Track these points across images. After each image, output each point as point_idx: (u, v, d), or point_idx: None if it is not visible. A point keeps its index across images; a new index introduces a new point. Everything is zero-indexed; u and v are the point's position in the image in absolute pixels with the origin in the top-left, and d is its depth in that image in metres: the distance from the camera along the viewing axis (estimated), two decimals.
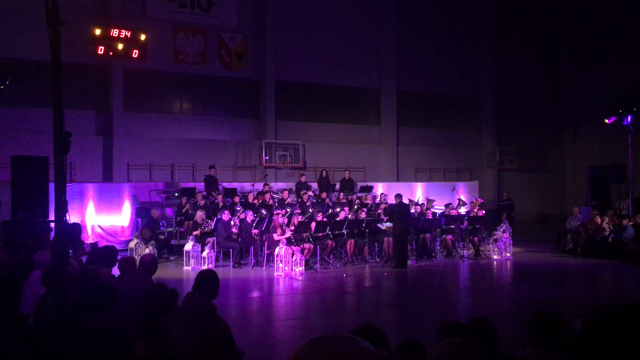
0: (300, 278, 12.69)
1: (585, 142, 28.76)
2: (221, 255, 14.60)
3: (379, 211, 16.63)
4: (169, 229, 16.44)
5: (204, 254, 13.75)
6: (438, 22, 26.19)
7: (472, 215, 16.98)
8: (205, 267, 12.97)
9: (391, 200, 18.32)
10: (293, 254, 13.11)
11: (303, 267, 13.27)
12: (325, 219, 14.83)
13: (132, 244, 14.08)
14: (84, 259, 8.82)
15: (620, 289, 12.73)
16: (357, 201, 17.87)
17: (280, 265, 12.94)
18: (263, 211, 15.50)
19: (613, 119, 20.83)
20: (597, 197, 20.58)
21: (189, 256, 13.76)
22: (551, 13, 28.93)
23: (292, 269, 13.01)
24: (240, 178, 21.50)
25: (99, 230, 16.65)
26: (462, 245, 16.77)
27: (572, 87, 29.32)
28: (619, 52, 26.40)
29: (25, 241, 9.24)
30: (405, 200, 17.16)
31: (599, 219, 16.76)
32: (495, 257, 15.67)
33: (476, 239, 16.27)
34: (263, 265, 14.03)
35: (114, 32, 19.47)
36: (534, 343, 3.46)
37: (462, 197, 19.99)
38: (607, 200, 20.85)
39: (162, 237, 15.57)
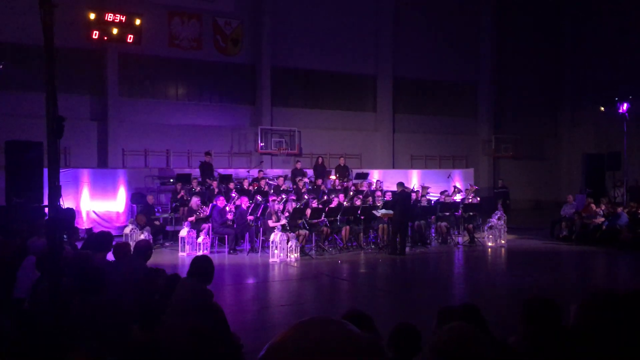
0: (295, 264, 12.73)
1: (581, 130, 28.77)
2: (216, 242, 14.60)
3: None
4: (164, 215, 16.43)
5: (199, 240, 13.77)
6: (436, 8, 26.03)
7: (467, 202, 17.02)
8: (200, 253, 12.97)
9: (387, 187, 18.31)
10: (288, 241, 13.14)
11: (298, 254, 13.29)
12: (320, 206, 14.84)
13: (127, 230, 14.06)
14: (79, 244, 8.82)
15: (614, 276, 12.82)
16: (353, 188, 17.86)
17: (276, 251, 12.97)
18: (258, 197, 15.49)
19: (608, 107, 20.86)
20: (591, 184, 20.62)
21: (184, 242, 13.77)
22: (551, 1, 28.81)
23: (287, 255, 13.04)
24: (236, 164, 21.47)
25: (94, 216, 16.62)
26: (457, 232, 16.81)
27: (569, 75, 29.28)
28: (616, 41, 26.34)
29: (19, 226, 9.21)
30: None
31: (593, 207, 16.83)
32: (489, 244, 15.71)
33: (471, 226, 16.31)
34: (258, 252, 14.05)
35: (109, 17, 19.35)
36: (526, 329, 3.48)
37: (458, 185, 20.01)
38: (602, 188, 20.91)
39: (157, 223, 15.56)
